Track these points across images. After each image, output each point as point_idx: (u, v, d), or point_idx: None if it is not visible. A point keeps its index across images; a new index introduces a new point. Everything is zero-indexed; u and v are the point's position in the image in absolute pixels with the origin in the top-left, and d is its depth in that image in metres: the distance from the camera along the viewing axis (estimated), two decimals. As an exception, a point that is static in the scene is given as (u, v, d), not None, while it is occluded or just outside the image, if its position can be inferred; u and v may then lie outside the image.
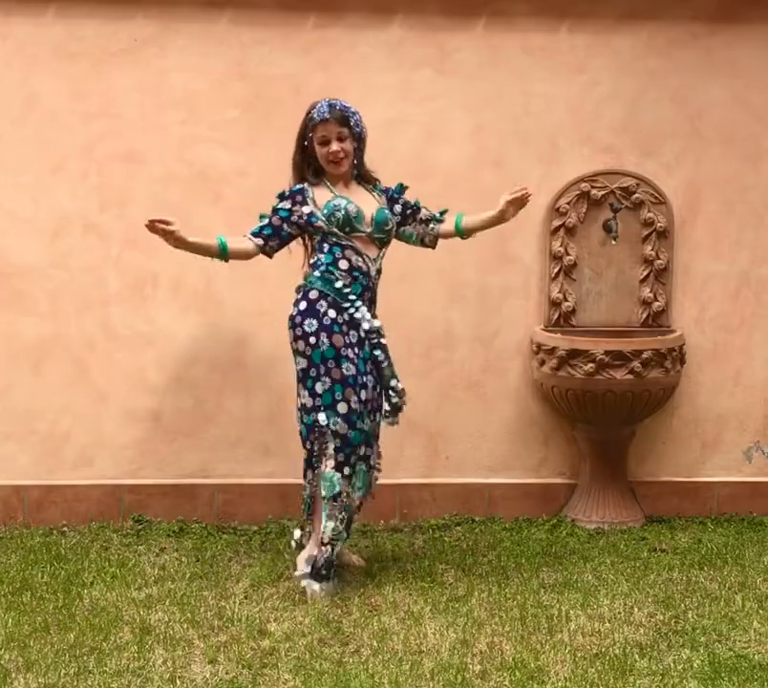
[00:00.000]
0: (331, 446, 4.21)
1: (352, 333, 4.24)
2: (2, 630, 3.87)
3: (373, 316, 4.33)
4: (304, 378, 4.24)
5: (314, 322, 4.21)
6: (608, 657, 3.69)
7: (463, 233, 4.49)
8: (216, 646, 3.77)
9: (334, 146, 4.23)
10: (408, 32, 5.03)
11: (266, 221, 4.32)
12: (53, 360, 5.06)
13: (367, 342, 4.28)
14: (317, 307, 4.22)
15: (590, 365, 4.91)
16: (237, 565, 4.59)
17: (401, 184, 4.46)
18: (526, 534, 5.03)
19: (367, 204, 4.30)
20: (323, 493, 4.22)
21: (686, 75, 5.14)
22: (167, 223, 4.17)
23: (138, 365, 5.09)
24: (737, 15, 5.11)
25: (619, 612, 4.09)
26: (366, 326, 4.24)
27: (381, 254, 4.34)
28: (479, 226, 4.48)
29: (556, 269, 5.16)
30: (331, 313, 4.22)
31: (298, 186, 4.30)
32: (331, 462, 4.21)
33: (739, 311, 5.27)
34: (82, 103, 4.98)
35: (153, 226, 4.15)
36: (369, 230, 4.27)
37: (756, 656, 3.70)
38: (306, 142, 4.27)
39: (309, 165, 4.31)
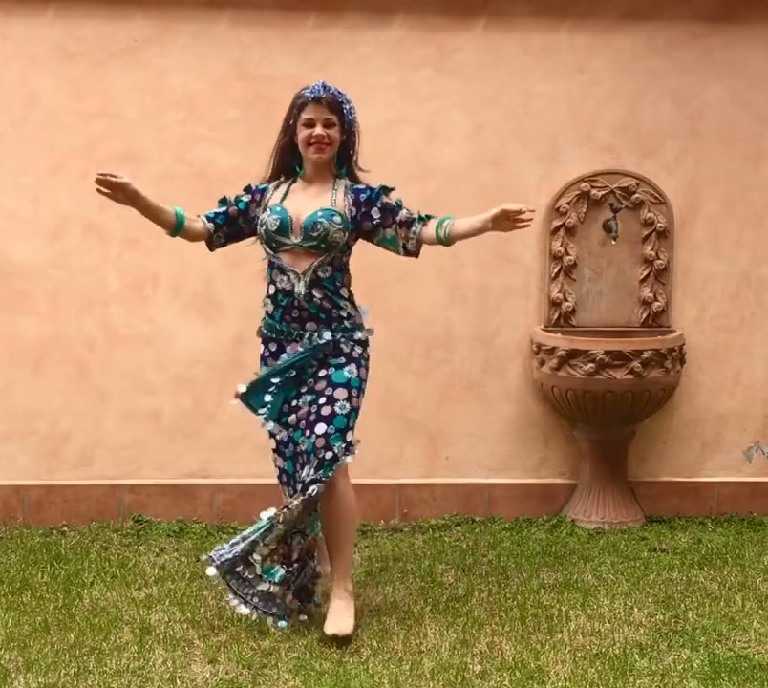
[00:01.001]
0: (281, 481, 4.03)
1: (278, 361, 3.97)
2: (2, 630, 3.87)
3: (320, 329, 3.88)
4: None
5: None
6: (608, 657, 3.69)
7: (445, 241, 3.95)
8: (216, 646, 3.77)
9: (318, 130, 3.84)
10: (408, 32, 5.03)
11: (224, 208, 4.01)
12: (53, 360, 5.06)
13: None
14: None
15: (590, 365, 4.91)
16: (237, 565, 4.59)
17: (384, 187, 3.98)
18: (526, 534, 5.03)
19: (310, 207, 3.87)
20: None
21: (686, 75, 5.14)
22: (116, 176, 3.78)
23: (139, 365, 5.09)
24: (737, 15, 5.11)
25: (619, 612, 4.09)
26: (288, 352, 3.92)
27: (318, 263, 3.84)
28: (462, 235, 3.94)
29: (556, 269, 5.16)
30: (261, 349, 4.02)
31: (263, 186, 3.98)
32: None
33: (739, 311, 5.27)
34: (82, 103, 4.98)
35: (100, 181, 3.76)
36: (296, 240, 3.85)
37: (756, 656, 3.70)
38: (291, 122, 3.92)
39: (289, 155, 3.94)
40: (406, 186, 4.80)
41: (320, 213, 3.85)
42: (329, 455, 3.80)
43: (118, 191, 3.83)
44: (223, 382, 5.11)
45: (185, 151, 5.03)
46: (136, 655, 3.69)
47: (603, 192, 5.14)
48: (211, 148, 5.02)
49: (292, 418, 3.93)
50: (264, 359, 4.01)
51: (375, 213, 3.92)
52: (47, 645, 3.75)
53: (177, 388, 5.12)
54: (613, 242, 5.16)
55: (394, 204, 3.96)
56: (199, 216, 4.04)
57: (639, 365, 4.91)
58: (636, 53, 5.12)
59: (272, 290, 3.93)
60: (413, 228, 3.94)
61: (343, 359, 3.90)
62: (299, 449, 3.89)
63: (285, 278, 3.88)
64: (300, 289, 3.86)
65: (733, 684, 3.51)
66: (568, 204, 5.13)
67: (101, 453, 5.12)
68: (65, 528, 5.04)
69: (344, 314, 3.92)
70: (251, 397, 4.03)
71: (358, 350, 3.94)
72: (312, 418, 3.86)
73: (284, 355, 3.95)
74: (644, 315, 5.21)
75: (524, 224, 3.84)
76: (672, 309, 5.23)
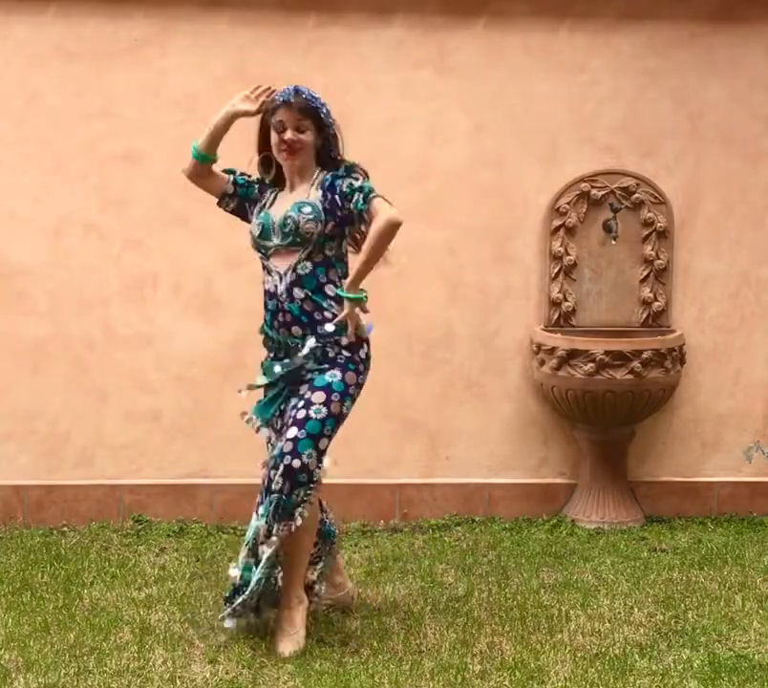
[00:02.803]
0: None
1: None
2: (2, 630, 3.87)
3: (306, 335, 3.72)
4: None
5: None
6: (608, 657, 3.69)
7: None
8: (216, 646, 3.77)
9: (289, 134, 3.71)
10: (408, 31, 5.03)
11: (244, 182, 3.90)
12: (53, 360, 5.06)
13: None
14: None
15: (590, 365, 4.91)
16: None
17: (348, 167, 3.79)
18: (526, 534, 5.03)
19: (288, 207, 3.75)
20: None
21: (686, 74, 5.14)
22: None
23: (139, 365, 5.09)
24: (737, 15, 5.11)
25: (619, 612, 4.09)
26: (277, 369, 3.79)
27: (297, 260, 3.71)
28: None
29: (556, 269, 5.16)
30: (263, 358, 3.91)
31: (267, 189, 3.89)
32: None
33: (739, 311, 5.27)
34: (82, 103, 4.98)
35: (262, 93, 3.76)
36: (277, 241, 3.73)
37: (756, 656, 3.70)
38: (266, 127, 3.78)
39: (268, 161, 3.84)
40: (406, 186, 4.82)
41: (289, 207, 3.73)
42: (295, 464, 3.62)
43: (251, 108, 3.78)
44: (223, 382, 5.11)
45: (185, 151, 4.97)
46: (136, 655, 3.69)
47: (603, 192, 5.14)
48: (211, 148, 5.01)
49: (278, 422, 3.82)
50: (261, 366, 3.90)
51: (338, 199, 3.72)
52: (47, 645, 3.75)
53: (177, 388, 5.12)
54: (613, 242, 5.16)
55: (346, 190, 3.72)
56: (229, 175, 3.92)
57: (639, 365, 4.91)
58: (636, 53, 5.12)
59: (263, 294, 3.83)
60: (358, 207, 3.71)
61: (327, 365, 3.72)
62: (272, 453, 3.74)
63: (270, 279, 3.77)
64: (281, 288, 3.72)
65: (733, 684, 3.51)
66: (568, 204, 5.13)
67: (101, 453, 5.12)
68: (65, 528, 5.04)
69: (329, 316, 3.72)
70: (258, 412, 3.89)
71: (345, 354, 3.73)
72: (289, 421, 3.70)
73: (277, 368, 3.80)
74: (644, 315, 5.21)
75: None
76: (672, 309, 5.23)
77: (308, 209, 3.69)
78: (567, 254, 5.15)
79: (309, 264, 3.71)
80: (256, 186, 3.90)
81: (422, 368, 5.19)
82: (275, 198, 3.84)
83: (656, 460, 5.31)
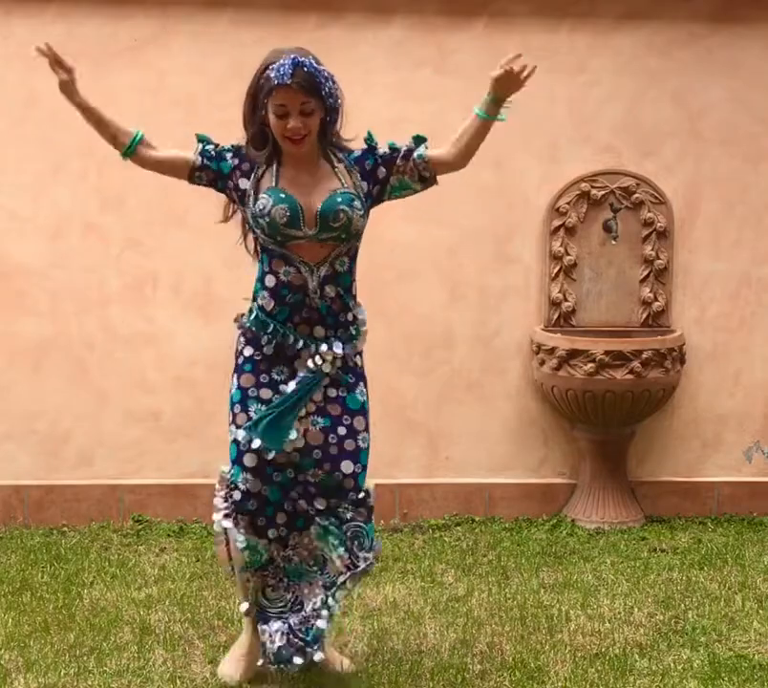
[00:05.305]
0: (245, 507, 3.42)
1: (277, 369, 3.42)
2: (2, 630, 3.87)
3: (329, 337, 3.37)
4: None
5: (233, 366, 3.51)
6: (607, 657, 3.69)
7: (463, 149, 3.41)
8: (216, 646, 3.77)
9: (294, 122, 3.20)
10: (408, 32, 5.03)
11: (213, 153, 3.42)
12: (53, 360, 5.06)
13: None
14: (237, 346, 3.52)
15: (590, 365, 4.91)
16: (237, 565, 4.59)
17: (370, 142, 3.39)
18: (526, 534, 5.03)
19: (318, 190, 3.29)
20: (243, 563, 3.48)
21: (686, 75, 5.14)
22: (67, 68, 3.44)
23: (139, 365, 5.09)
24: (737, 15, 5.11)
25: (619, 612, 4.09)
26: (311, 364, 3.37)
27: (336, 254, 3.32)
28: (471, 134, 3.42)
29: (556, 269, 5.16)
30: (247, 351, 3.47)
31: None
32: (248, 527, 3.43)
33: (739, 311, 5.27)
34: (82, 103, 4.97)
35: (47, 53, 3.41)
36: (311, 233, 3.27)
37: (756, 656, 3.70)
38: (262, 110, 3.29)
39: (261, 142, 3.34)
40: (406, 186, 4.80)
41: (339, 199, 3.27)
42: (361, 495, 3.41)
43: (63, 72, 3.47)
44: (223, 382, 5.06)
45: (186, 150, 5.01)
46: (136, 655, 3.69)
47: (603, 192, 5.14)
48: (211, 148, 5.01)
49: (295, 437, 3.36)
50: (252, 362, 3.45)
51: (381, 172, 3.35)
52: (47, 645, 3.75)
53: (177, 388, 5.12)
54: (613, 242, 5.16)
55: (387, 150, 3.38)
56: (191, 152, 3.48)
57: (639, 365, 4.91)
58: (636, 53, 5.12)
59: (271, 282, 3.34)
60: (417, 154, 3.35)
61: (352, 377, 3.42)
62: (305, 478, 3.40)
63: (292, 270, 3.32)
64: (313, 284, 3.32)
65: (733, 684, 3.51)
66: (568, 204, 5.13)
67: (101, 453, 5.12)
68: (65, 528, 5.04)
69: (350, 318, 3.40)
70: (268, 436, 3.38)
71: (359, 361, 3.46)
72: (334, 451, 3.38)
73: (274, 370, 3.42)
74: (644, 315, 5.21)
75: (527, 72, 3.50)
76: (671, 309, 5.23)
77: (358, 204, 3.29)
78: (567, 254, 5.15)
79: (346, 259, 3.36)
80: (229, 158, 3.43)
81: (422, 368, 5.19)
82: (277, 175, 3.33)
83: (656, 460, 5.31)
